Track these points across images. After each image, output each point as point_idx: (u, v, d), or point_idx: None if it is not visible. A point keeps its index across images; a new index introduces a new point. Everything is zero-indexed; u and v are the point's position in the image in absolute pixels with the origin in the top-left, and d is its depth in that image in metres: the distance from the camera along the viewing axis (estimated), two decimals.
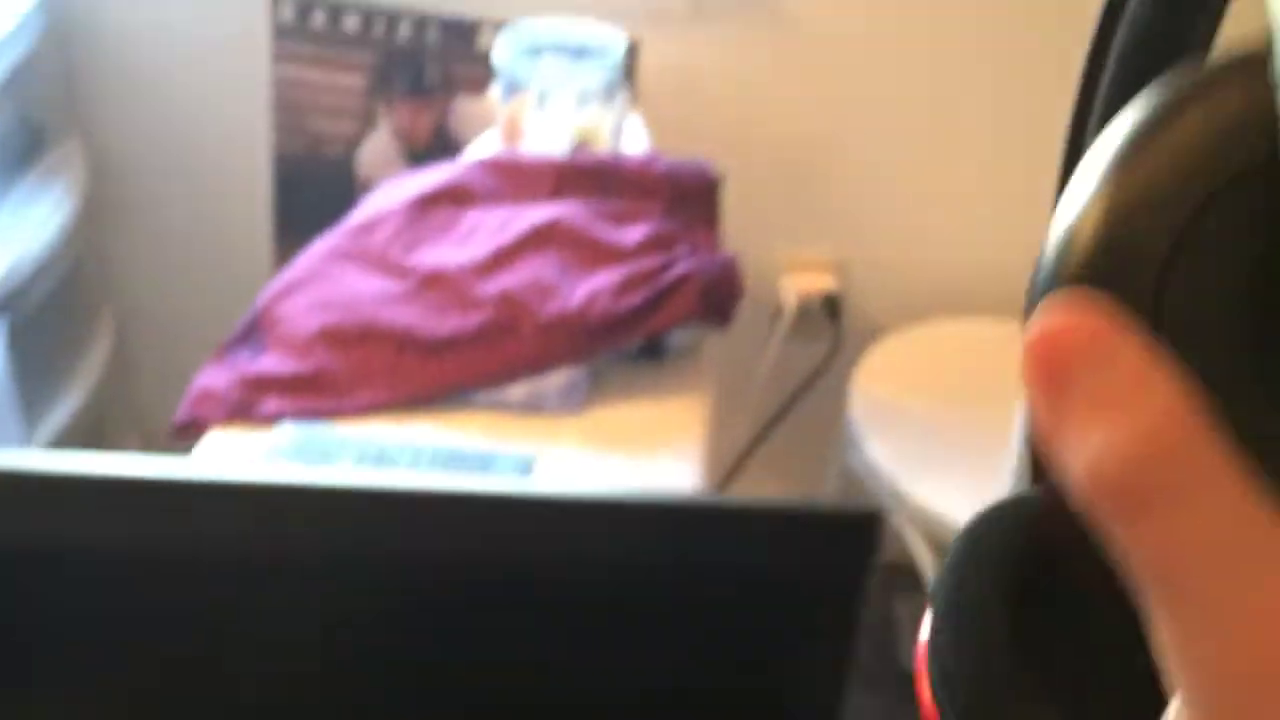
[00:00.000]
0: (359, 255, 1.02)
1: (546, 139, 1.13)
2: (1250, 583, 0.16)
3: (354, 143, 1.42)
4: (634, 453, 0.95)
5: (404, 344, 0.96)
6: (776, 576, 0.44)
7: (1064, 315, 0.18)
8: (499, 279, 0.99)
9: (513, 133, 1.15)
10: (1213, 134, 0.19)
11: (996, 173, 1.47)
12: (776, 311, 1.55)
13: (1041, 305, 0.19)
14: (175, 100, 1.49)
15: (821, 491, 1.59)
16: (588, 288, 0.99)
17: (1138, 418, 0.17)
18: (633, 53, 1.40)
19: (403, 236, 1.04)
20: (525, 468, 0.90)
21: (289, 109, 1.41)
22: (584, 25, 1.19)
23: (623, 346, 0.99)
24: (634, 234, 1.03)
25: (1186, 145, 0.19)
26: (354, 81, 1.39)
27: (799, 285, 1.56)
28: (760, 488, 1.65)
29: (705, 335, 1.06)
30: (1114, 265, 0.19)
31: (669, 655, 0.47)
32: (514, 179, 1.09)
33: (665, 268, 1.01)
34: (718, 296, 1.03)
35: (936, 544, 1.40)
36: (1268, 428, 0.18)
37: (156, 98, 1.49)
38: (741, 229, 1.53)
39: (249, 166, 1.47)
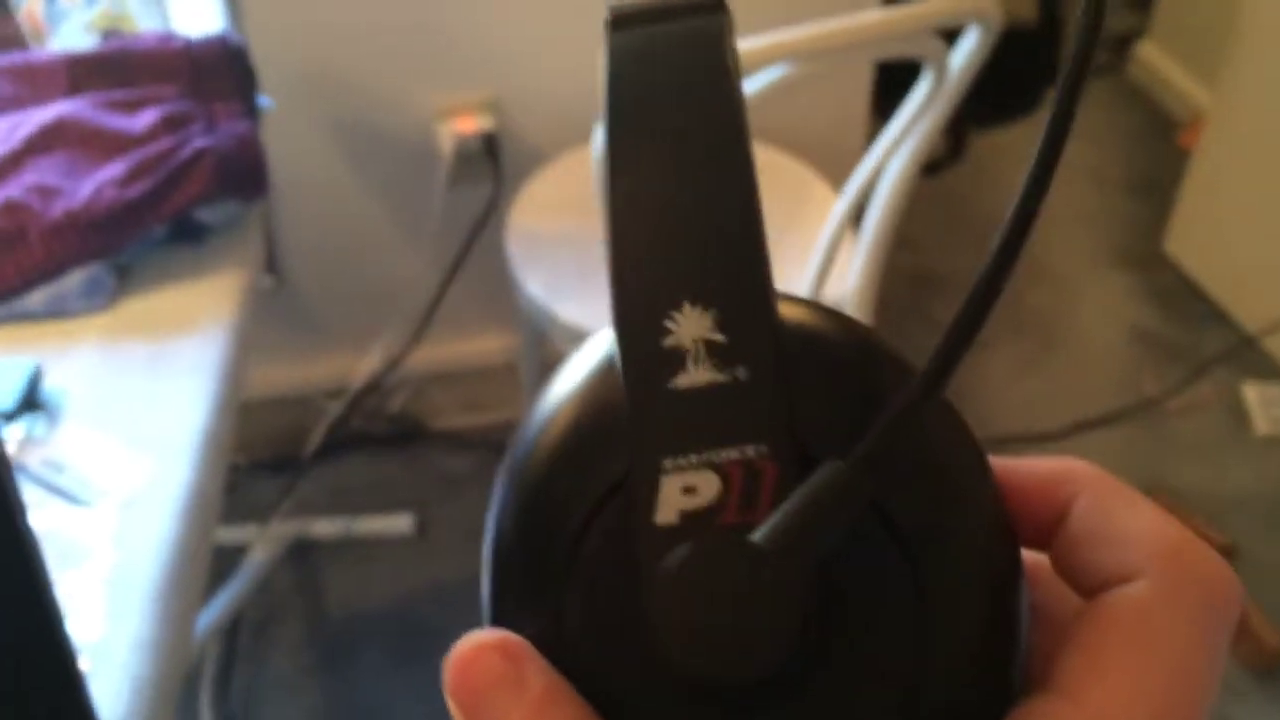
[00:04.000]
0: None
1: (70, 33, 1.10)
2: None
3: None
4: (159, 340, 0.96)
5: None
6: None
7: (477, 645, 0.20)
8: (1, 190, 0.98)
9: (36, 32, 1.11)
10: (598, 443, 0.21)
11: None
12: (435, 158, 1.55)
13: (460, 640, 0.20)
14: None
15: (517, 326, 1.61)
16: (94, 182, 0.98)
17: None
18: None
19: None
20: (31, 374, 0.90)
21: None
22: None
23: (140, 235, 0.99)
24: (144, 119, 1.01)
25: (579, 454, 0.21)
26: None
27: (455, 129, 1.54)
28: (458, 334, 1.67)
29: (247, 210, 1.06)
30: (525, 564, 0.21)
31: None
32: (28, 81, 1.06)
33: (177, 149, 1.00)
34: (237, 169, 1.02)
35: None
36: (662, 708, 0.20)
37: None
38: (391, 81, 1.52)
39: None
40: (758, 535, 0.19)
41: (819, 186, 1.48)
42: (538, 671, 0.20)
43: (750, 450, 0.20)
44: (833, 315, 0.22)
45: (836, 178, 1.43)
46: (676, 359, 0.20)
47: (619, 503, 0.20)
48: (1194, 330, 1.83)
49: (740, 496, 0.20)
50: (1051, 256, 1.92)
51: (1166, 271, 1.92)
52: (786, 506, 0.20)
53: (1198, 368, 1.76)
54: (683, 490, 0.20)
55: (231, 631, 1.40)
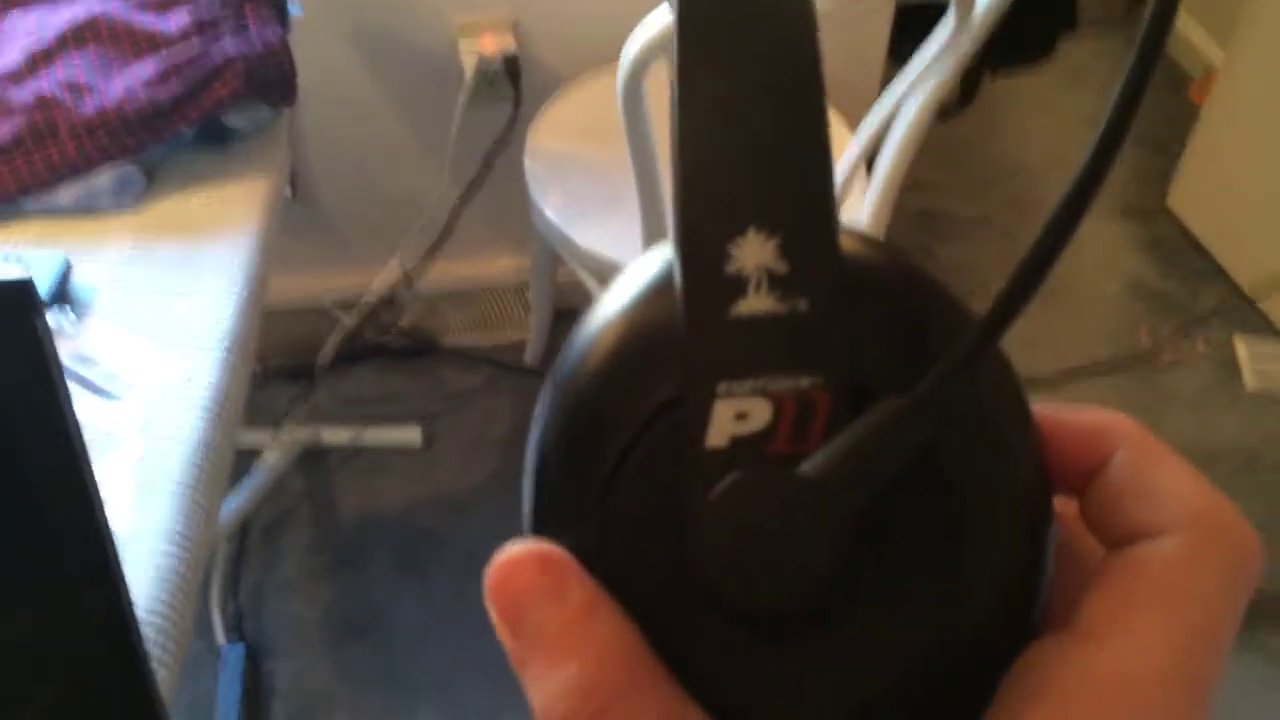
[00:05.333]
0: None
1: None
2: None
3: None
4: (186, 241, 0.98)
5: None
6: None
7: (518, 554, 0.20)
8: (34, 83, 0.99)
9: None
10: (649, 363, 0.21)
11: None
12: (457, 77, 1.55)
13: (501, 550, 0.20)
14: None
15: (530, 248, 1.63)
16: (125, 81, 0.99)
17: (584, 660, 0.19)
18: None
19: None
20: (60, 268, 0.92)
21: None
22: None
23: (169, 137, 1.00)
24: (176, 21, 1.02)
25: (629, 372, 0.21)
26: None
27: (477, 48, 1.54)
28: (472, 253, 1.69)
29: (275, 117, 1.07)
30: (568, 476, 0.21)
31: None
32: None
33: (207, 51, 1.01)
34: (267, 75, 1.03)
35: (605, 282, 1.46)
36: (700, 625, 0.20)
37: None
38: None
39: None
40: (808, 466, 0.19)
41: (834, 123, 1.49)
42: (578, 582, 0.20)
43: (805, 381, 0.20)
44: (891, 252, 0.22)
45: (851, 116, 1.44)
46: (737, 285, 0.20)
47: (666, 423, 0.20)
48: (1190, 284, 1.86)
49: (792, 427, 0.20)
50: (1052, 204, 1.93)
51: (1167, 225, 1.94)
52: (840, 441, 0.20)
53: (1192, 321, 1.79)
54: (735, 416, 0.20)
55: (242, 533, 1.43)
